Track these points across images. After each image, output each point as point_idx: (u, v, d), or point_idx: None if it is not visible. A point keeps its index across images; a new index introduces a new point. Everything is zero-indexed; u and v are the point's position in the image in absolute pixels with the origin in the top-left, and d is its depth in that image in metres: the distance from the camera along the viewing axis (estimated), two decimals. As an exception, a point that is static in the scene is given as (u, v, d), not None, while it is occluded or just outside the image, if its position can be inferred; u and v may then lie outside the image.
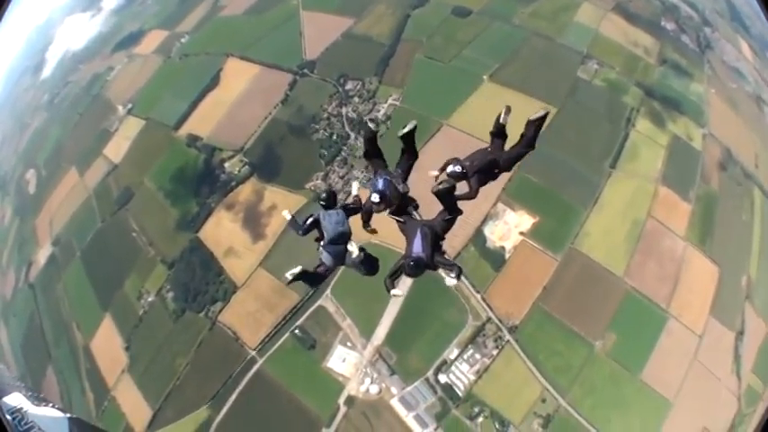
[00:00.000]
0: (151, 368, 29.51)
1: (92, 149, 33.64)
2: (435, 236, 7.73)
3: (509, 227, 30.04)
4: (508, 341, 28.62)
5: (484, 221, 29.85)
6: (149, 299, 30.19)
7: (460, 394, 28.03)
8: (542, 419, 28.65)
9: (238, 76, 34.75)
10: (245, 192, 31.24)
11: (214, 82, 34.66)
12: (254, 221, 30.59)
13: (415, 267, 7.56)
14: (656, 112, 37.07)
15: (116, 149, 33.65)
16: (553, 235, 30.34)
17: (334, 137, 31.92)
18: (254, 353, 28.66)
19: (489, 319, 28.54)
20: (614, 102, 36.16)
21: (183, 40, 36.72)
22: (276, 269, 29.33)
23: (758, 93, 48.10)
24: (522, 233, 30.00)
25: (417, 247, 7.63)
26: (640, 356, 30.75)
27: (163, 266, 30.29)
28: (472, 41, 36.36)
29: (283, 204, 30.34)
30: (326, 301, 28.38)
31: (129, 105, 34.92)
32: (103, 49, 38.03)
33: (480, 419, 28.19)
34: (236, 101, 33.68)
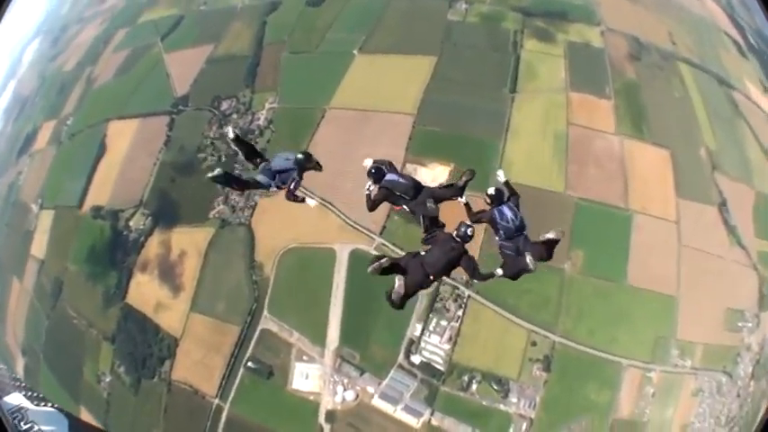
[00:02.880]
0: None
1: (22, 254, 38.16)
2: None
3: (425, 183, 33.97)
4: (469, 297, 31.85)
5: None
6: (107, 379, 33.65)
7: (442, 369, 30.90)
8: (541, 363, 31.65)
9: (121, 136, 40.27)
10: (152, 247, 35.16)
11: (101, 150, 40.25)
12: (169, 273, 34.34)
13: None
14: (542, 28, 42.99)
15: (39, 246, 38.40)
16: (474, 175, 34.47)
17: (223, 158, 36.56)
18: (217, 401, 31.52)
19: (441, 281, 31.07)
20: (493, 31, 42.13)
21: (68, 123, 43.01)
22: (207, 308, 33.20)
23: None
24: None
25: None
26: (618, 263, 34.29)
27: (107, 343, 34.03)
28: (333, 23, 42.36)
29: (192, 245, 34.63)
30: (267, 322, 31.37)
31: (40, 200, 40.22)
32: (11, 158, 43.69)
33: (474, 387, 30.99)
34: (125, 159, 39.08)
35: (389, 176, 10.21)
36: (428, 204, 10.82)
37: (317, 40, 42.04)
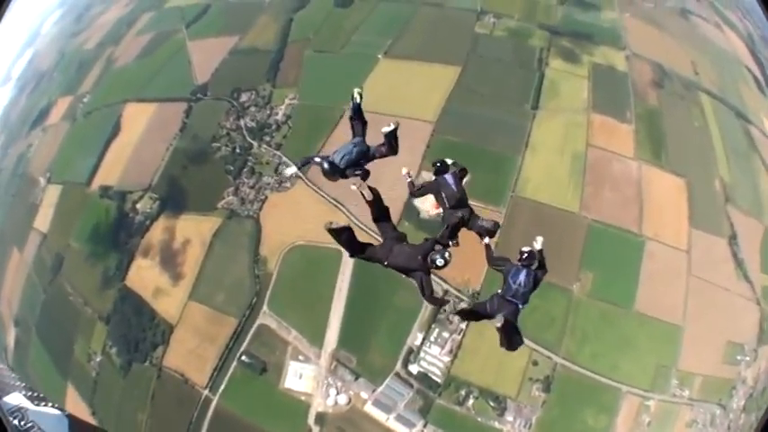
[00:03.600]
0: (119, 431, 31.74)
1: (25, 226, 38.26)
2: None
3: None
4: None
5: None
6: (97, 359, 33.47)
7: (439, 381, 30.41)
8: (541, 383, 31.14)
9: (137, 119, 40.38)
10: (157, 232, 35.16)
11: (115, 130, 40.39)
12: (171, 261, 34.22)
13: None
14: (568, 48, 43.02)
15: (43, 220, 38.59)
16: (490, 188, 34.08)
17: (237, 150, 36.65)
18: (206, 392, 31.03)
19: (446, 292, 31.06)
20: (520, 47, 42.12)
21: (84, 100, 43.33)
22: (206, 298, 32.74)
23: (681, 5, 55.40)
24: None
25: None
26: (627, 288, 33.86)
27: (101, 323, 33.88)
28: (360, 26, 42.43)
29: (197, 234, 34.34)
30: (266, 317, 31.12)
31: (48, 174, 40.31)
32: (22, 130, 44.05)
33: (471, 402, 30.48)
34: (138, 142, 39.11)
35: (448, 177, 9.95)
36: (456, 216, 10.05)
37: (342, 40, 42.09)
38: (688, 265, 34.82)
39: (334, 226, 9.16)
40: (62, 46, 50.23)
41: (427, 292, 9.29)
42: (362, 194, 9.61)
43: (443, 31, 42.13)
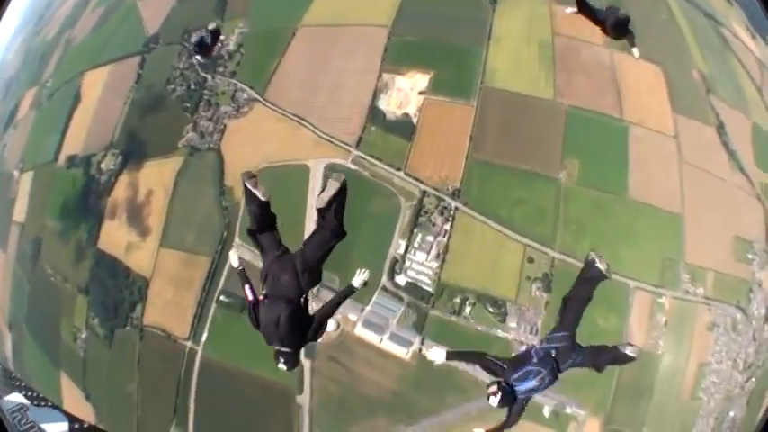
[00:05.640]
0: (113, 409, 29.46)
1: (5, 223, 36.32)
2: None
3: (404, 92, 31.43)
4: (457, 208, 28.94)
5: (374, 98, 31.28)
6: (82, 335, 31.26)
7: (430, 289, 27.77)
8: (541, 282, 28.54)
9: (95, 85, 38.63)
10: (120, 190, 33.08)
11: (76, 101, 38.62)
12: (137, 216, 32.06)
13: None
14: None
15: (20, 210, 36.78)
16: (457, 82, 31.99)
17: (192, 86, 34.85)
18: (189, 343, 28.53)
19: (425, 193, 28.93)
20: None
21: (47, 85, 41.69)
22: (176, 243, 30.46)
23: None
24: (421, 92, 31.30)
25: None
26: (617, 174, 31.58)
27: (82, 296, 31.72)
28: None
29: (159, 182, 32.14)
30: (240, 250, 27.56)
31: (21, 165, 38.56)
32: None
33: (468, 310, 27.80)
34: (97, 105, 37.40)
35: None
36: None
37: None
38: (678, 151, 32.68)
39: (249, 184, 7.66)
40: (27, 47, 47.82)
41: None
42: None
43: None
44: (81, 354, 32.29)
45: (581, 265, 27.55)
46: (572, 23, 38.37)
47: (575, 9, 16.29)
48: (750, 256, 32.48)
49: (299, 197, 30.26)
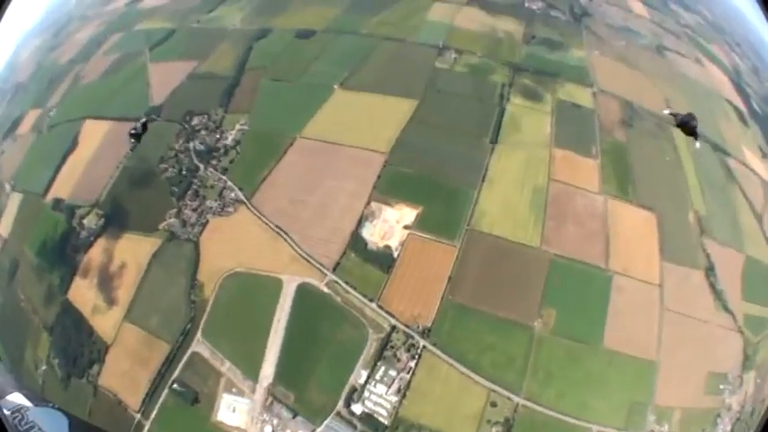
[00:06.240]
0: None
1: None
2: None
3: (390, 224, 35.15)
4: (424, 347, 31.91)
5: (359, 225, 35.07)
6: (42, 368, 35.25)
7: (386, 422, 30.33)
8: (501, 426, 31.19)
9: (93, 135, 44.25)
10: (96, 253, 37.54)
11: (73, 145, 44.53)
12: (107, 284, 36.23)
13: None
14: (530, 86, 46.60)
15: (5, 225, 42.32)
16: (443, 221, 35.71)
17: (184, 171, 39.25)
18: (139, 416, 31.80)
19: (394, 328, 32.10)
20: (481, 83, 45.43)
21: (50, 114, 48.72)
22: (140, 320, 34.28)
23: (658, 42, 60.88)
24: (406, 227, 35.09)
25: None
26: (594, 324, 34.80)
27: (46, 333, 35.97)
28: (319, 57, 46.34)
29: (134, 257, 36.46)
30: (199, 345, 31.77)
31: (13, 182, 44.86)
32: None
33: None
34: (91, 158, 42.71)
35: None
36: None
37: (299, 70, 45.78)
38: (661, 299, 36.02)
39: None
40: (40, 59, 56.92)
41: None
42: None
43: (402, 65, 45.74)
44: (40, 382, 36.44)
45: (546, 411, 31.47)
46: (570, 169, 44.11)
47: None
48: (722, 386, 36.07)
49: (268, 309, 33.59)
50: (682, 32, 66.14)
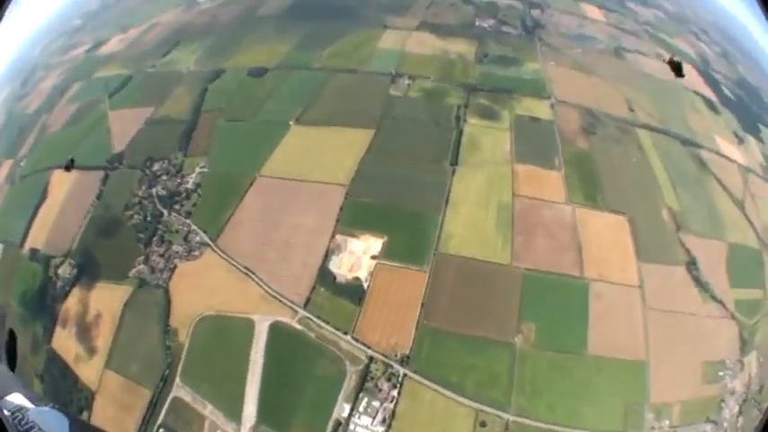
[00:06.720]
0: None
1: None
2: None
3: (356, 255, 37.04)
4: (405, 375, 33.45)
5: (325, 259, 37.04)
6: None
7: None
8: None
9: (61, 185, 47.26)
10: (72, 303, 39.77)
11: (43, 195, 47.53)
12: (86, 334, 38.20)
13: None
14: (486, 106, 49.87)
15: None
16: (410, 248, 37.79)
17: (148, 218, 41.69)
18: None
19: (372, 359, 33.67)
20: (436, 106, 48.52)
21: (21, 164, 52.08)
22: (120, 368, 36.14)
23: (615, 45, 65.58)
24: (374, 257, 37.11)
25: None
26: (576, 333, 36.73)
27: (38, 380, 37.85)
28: (273, 94, 49.48)
29: (108, 306, 38.50)
30: (180, 390, 33.06)
31: None
32: None
33: None
34: (61, 208, 45.60)
35: None
36: None
37: (254, 109, 49.04)
38: (642, 300, 38.28)
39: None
40: (9, 108, 61.50)
41: None
42: None
43: (356, 96, 49.02)
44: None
45: (539, 424, 33.71)
46: (533, 183, 45.87)
47: None
48: (722, 373, 37.97)
49: (242, 350, 35.13)
50: (641, 31, 70.72)
